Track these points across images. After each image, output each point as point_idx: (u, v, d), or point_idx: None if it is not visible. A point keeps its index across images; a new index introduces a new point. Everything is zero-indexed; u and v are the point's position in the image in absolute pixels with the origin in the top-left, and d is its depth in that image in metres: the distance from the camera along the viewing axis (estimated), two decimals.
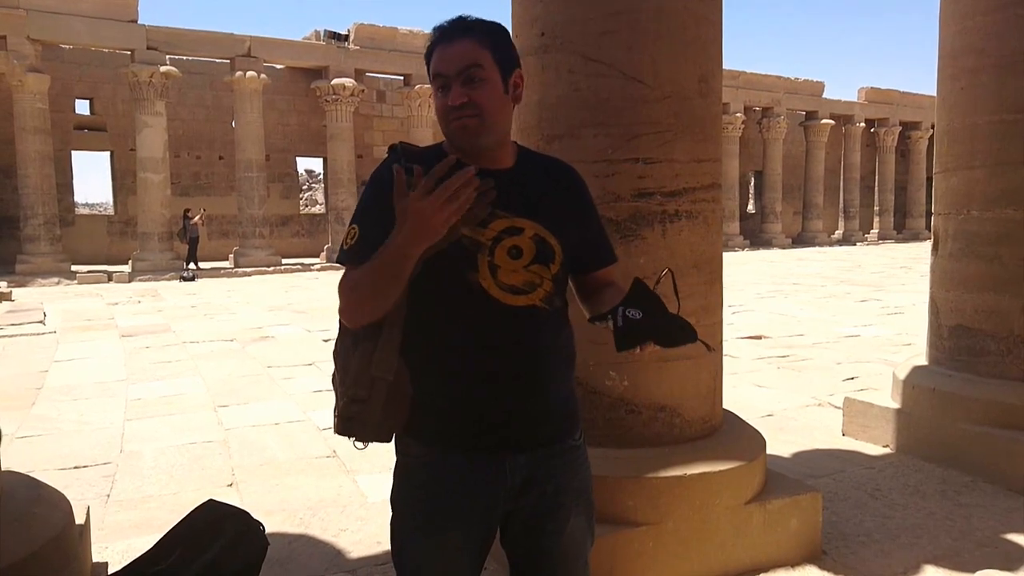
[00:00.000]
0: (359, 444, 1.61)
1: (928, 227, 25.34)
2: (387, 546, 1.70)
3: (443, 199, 1.32)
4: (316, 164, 31.13)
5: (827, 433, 4.76)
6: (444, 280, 1.52)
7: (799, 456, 4.29)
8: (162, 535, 2.38)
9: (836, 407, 5.17)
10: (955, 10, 4.23)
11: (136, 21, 19.59)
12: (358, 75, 23.03)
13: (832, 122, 32.12)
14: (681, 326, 1.51)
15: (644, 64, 2.71)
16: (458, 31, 1.55)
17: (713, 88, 2.89)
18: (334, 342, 1.66)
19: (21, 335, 9.68)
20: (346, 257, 1.55)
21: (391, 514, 1.67)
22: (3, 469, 2.19)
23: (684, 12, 2.77)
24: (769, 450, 3.09)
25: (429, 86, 1.61)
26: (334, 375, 1.64)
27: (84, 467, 4.40)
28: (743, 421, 3.21)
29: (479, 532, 1.61)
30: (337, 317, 1.58)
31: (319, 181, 34.39)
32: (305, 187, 35.70)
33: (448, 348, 1.56)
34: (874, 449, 4.36)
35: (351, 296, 1.52)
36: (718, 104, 2.97)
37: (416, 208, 1.33)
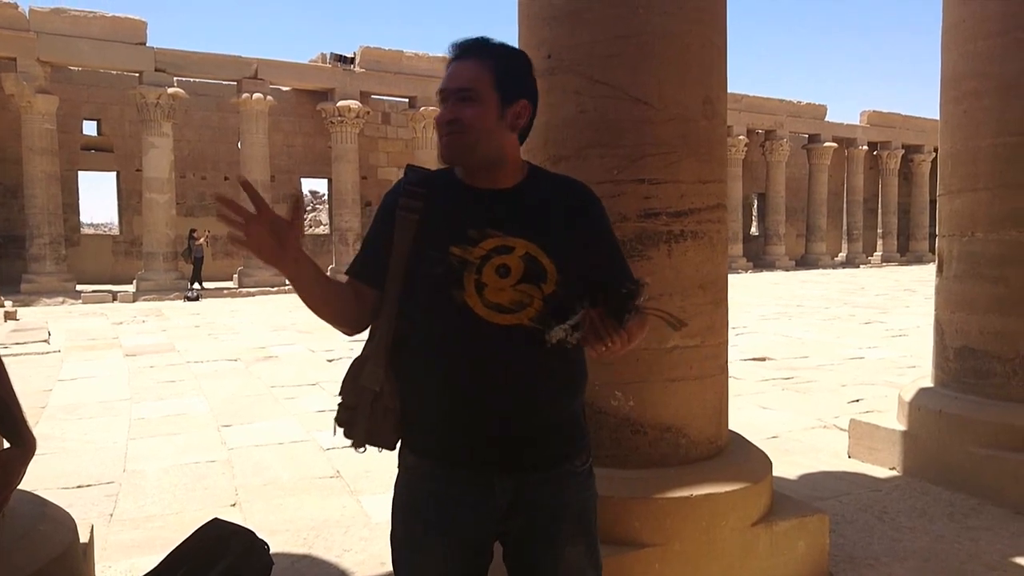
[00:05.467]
0: (359, 449, 1.64)
1: (931, 250, 25.32)
2: (391, 567, 1.70)
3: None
4: (321, 185, 31.25)
5: (833, 455, 4.74)
6: (431, 297, 1.55)
7: (805, 478, 4.26)
8: (167, 554, 2.37)
9: (841, 429, 5.14)
10: (957, 35, 4.28)
11: (144, 43, 19.80)
12: (363, 97, 23.19)
13: (835, 145, 32.23)
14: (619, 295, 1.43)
15: (650, 86, 2.74)
16: (467, 51, 1.58)
17: (718, 110, 2.92)
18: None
19: (26, 354, 9.69)
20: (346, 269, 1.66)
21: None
22: None
23: (689, 35, 2.80)
24: (775, 472, 3.08)
25: (434, 108, 1.69)
26: None
27: (87, 486, 4.39)
28: (749, 442, 3.20)
29: (466, 547, 1.59)
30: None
31: (323, 202, 34.51)
32: (309, 208, 35.86)
33: (434, 364, 1.56)
34: (880, 471, 4.34)
35: None
36: (723, 126, 3.00)
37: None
